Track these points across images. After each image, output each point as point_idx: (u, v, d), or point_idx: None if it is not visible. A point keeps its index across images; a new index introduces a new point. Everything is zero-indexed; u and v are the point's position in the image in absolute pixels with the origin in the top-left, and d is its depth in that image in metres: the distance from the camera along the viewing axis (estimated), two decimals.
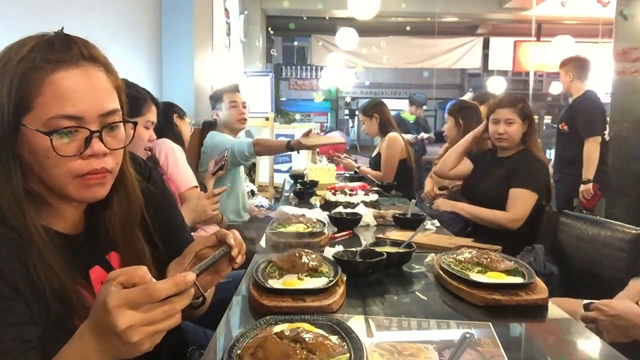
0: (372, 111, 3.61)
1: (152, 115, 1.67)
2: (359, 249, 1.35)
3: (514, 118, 2.23)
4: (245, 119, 3.04)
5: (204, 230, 2.21)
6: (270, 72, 6.14)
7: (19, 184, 0.74)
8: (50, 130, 0.72)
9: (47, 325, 0.72)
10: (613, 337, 1.14)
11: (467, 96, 4.77)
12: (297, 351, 0.72)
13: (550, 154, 5.05)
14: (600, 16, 5.90)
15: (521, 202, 2.12)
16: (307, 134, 2.60)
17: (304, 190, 2.70)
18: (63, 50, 0.74)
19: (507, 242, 1.83)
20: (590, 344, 0.94)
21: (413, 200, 2.16)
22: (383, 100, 3.92)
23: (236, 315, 1.05)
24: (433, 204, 2.57)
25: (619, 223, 1.68)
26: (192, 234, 1.16)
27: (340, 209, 2.09)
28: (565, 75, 3.58)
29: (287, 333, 0.77)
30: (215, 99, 3.04)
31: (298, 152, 3.23)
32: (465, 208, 2.34)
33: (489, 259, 1.20)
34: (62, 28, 0.78)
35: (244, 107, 3.01)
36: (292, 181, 3.52)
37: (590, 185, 3.30)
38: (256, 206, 3.31)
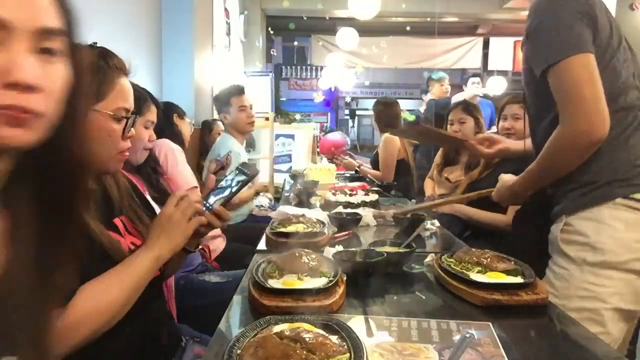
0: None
1: (152, 115, 1.67)
2: (359, 249, 1.35)
3: (521, 114, 2.24)
4: (254, 122, 3.09)
5: None
6: (270, 72, 6.15)
7: None
8: None
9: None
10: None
11: (472, 90, 4.80)
12: (297, 351, 0.72)
13: None
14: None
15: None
16: None
17: (304, 191, 2.70)
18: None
19: (507, 242, 1.83)
20: (590, 344, 0.94)
21: (413, 200, 2.15)
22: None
23: (236, 315, 1.05)
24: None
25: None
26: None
27: (340, 209, 2.09)
28: None
29: (287, 333, 0.77)
30: (222, 101, 3.04)
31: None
32: (463, 210, 2.32)
33: (489, 259, 1.20)
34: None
35: (251, 109, 3.04)
36: (292, 181, 3.52)
37: None
38: (256, 206, 3.32)
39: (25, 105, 0.55)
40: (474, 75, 5.12)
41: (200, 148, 3.43)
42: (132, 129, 1.09)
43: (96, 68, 1.02)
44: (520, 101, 2.29)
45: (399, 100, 3.82)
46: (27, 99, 0.55)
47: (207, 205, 1.18)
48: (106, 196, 1.11)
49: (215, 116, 4.25)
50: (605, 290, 1.21)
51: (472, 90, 4.74)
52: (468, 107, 2.70)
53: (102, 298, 0.91)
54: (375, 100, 3.91)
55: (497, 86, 6.29)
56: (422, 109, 4.87)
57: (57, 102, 0.59)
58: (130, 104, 1.09)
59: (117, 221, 1.09)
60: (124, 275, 0.95)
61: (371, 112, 3.82)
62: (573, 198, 1.28)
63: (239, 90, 3.02)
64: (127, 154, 1.11)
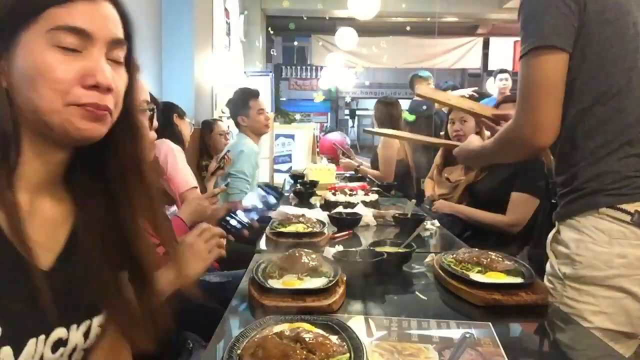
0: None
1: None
2: (359, 249, 1.35)
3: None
4: (269, 124, 3.25)
5: None
6: (270, 72, 6.15)
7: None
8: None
9: None
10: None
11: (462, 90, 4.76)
12: (297, 351, 0.72)
13: None
14: None
15: (522, 207, 2.11)
16: None
17: (304, 190, 2.70)
18: None
19: (507, 242, 1.84)
20: (590, 344, 0.94)
21: (413, 200, 2.16)
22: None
23: (236, 315, 1.05)
24: (433, 206, 2.56)
25: None
26: None
27: (340, 209, 2.09)
28: None
29: (287, 333, 0.77)
30: (239, 104, 3.10)
31: None
32: (463, 210, 2.31)
33: (489, 259, 1.20)
34: None
35: (263, 114, 3.15)
36: (292, 181, 3.52)
37: None
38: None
39: (103, 104, 0.65)
40: (502, 71, 4.90)
41: (200, 148, 3.43)
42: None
43: None
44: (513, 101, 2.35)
45: (399, 100, 3.81)
46: (104, 98, 0.65)
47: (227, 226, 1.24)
48: None
49: (216, 116, 4.25)
50: (586, 308, 1.10)
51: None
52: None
53: None
54: (375, 100, 3.91)
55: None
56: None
57: (119, 102, 0.69)
58: (147, 97, 1.21)
59: None
60: None
61: (371, 112, 3.82)
62: (563, 204, 1.19)
63: (257, 94, 3.11)
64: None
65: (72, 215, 0.72)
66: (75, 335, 0.68)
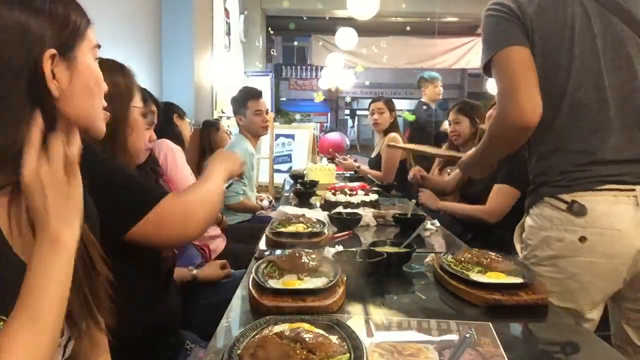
0: (393, 107, 3.67)
1: (152, 115, 1.68)
2: (359, 249, 1.35)
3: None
4: (268, 126, 3.19)
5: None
6: (270, 72, 6.15)
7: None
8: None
9: None
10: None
11: None
12: (297, 351, 0.72)
13: None
14: None
15: (500, 197, 2.14)
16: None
17: (304, 190, 2.70)
18: None
19: (507, 242, 1.83)
20: (590, 344, 0.94)
21: (413, 200, 2.15)
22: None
23: (236, 315, 1.05)
24: (420, 192, 2.59)
25: None
26: None
27: (340, 209, 2.09)
28: None
29: (287, 333, 0.77)
30: (239, 104, 3.09)
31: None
32: (447, 206, 2.38)
33: (489, 259, 1.20)
34: None
35: (267, 114, 3.12)
36: (292, 181, 3.52)
37: None
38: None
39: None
40: None
41: (200, 148, 3.43)
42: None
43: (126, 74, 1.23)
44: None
45: (399, 101, 3.81)
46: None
47: None
48: None
49: (215, 116, 4.25)
50: None
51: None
52: (463, 108, 2.71)
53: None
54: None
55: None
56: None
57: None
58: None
59: None
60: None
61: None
62: (528, 195, 1.36)
63: (256, 94, 3.08)
64: (151, 145, 1.33)
65: None
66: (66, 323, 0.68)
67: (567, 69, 1.23)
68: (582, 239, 1.19)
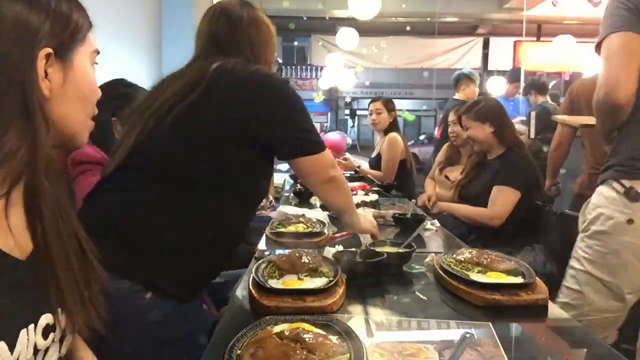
0: (392, 107, 3.64)
1: None
2: (359, 249, 1.35)
3: (470, 123, 2.32)
4: None
5: None
6: None
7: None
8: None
9: None
10: None
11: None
12: (297, 351, 0.72)
13: None
14: (600, 16, 5.89)
15: (501, 199, 2.11)
16: None
17: (304, 190, 2.70)
18: None
19: (507, 242, 1.84)
20: (590, 344, 0.94)
21: (413, 200, 2.16)
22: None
23: (236, 315, 1.05)
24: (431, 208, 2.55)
25: None
26: None
27: None
28: None
29: (287, 333, 0.77)
30: None
31: None
32: (451, 207, 2.35)
33: (489, 259, 1.20)
34: None
35: None
36: (292, 181, 3.52)
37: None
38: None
39: None
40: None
41: None
42: None
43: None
44: (458, 107, 2.56)
45: (399, 101, 3.82)
46: None
47: None
48: None
49: None
50: (583, 255, 1.43)
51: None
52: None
53: None
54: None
55: (497, 86, 6.28)
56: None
57: None
58: None
59: None
60: None
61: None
62: (600, 172, 1.48)
63: None
64: None
65: None
66: (62, 319, 0.69)
67: None
68: (630, 221, 1.33)
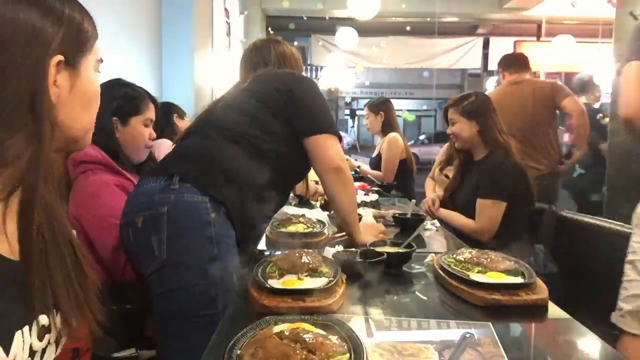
0: (379, 108, 3.60)
1: (150, 113, 1.68)
2: (359, 249, 1.35)
3: (455, 118, 2.17)
4: None
5: None
6: None
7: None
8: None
9: None
10: None
11: None
12: (297, 351, 0.72)
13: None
14: (600, 16, 5.90)
15: (486, 212, 1.99)
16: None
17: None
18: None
19: (507, 242, 1.83)
20: (590, 344, 0.94)
21: (413, 200, 2.15)
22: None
23: (236, 315, 1.05)
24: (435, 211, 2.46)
25: (619, 223, 1.68)
26: None
27: None
28: None
29: (287, 333, 0.77)
30: None
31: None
32: (442, 214, 2.23)
33: (489, 259, 1.20)
34: None
35: None
36: None
37: None
38: None
39: None
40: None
41: None
42: None
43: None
44: (453, 104, 2.25)
45: (399, 101, 3.82)
46: None
47: None
48: None
49: None
50: (635, 245, 1.32)
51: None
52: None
53: None
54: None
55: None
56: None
57: None
58: None
59: None
60: None
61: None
62: None
63: None
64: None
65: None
66: (57, 320, 0.69)
67: None
68: None
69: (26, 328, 0.63)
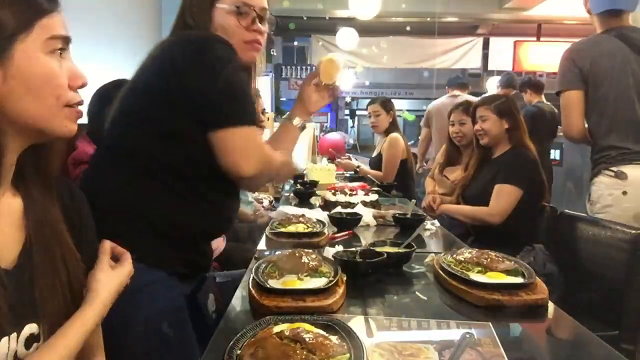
0: (389, 107, 3.61)
1: None
2: (359, 249, 1.35)
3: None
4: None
5: None
6: (270, 72, 6.15)
7: None
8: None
9: None
10: None
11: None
12: (297, 351, 0.72)
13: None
14: None
15: (502, 197, 2.10)
16: None
17: (303, 191, 2.70)
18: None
19: (507, 242, 1.83)
20: (590, 344, 0.94)
21: (413, 200, 2.15)
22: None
23: (236, 315, 1.05)
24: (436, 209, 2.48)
25: (619, 223, 1.68)
26: None
27: (339, 209, 2.09)
28: None
29: (287, 333, 0.77)
30: None
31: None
32: (450, 208, 2.33)
33: (489, 259, 1.20)
34: None
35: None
36: (292, 181, 3.52)
37: None
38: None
39: (82, 101, 0.70)
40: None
41: None
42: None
43: None
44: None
45: (399, 101, 3.81)
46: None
47: None
48: None
49: None
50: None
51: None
52: (468, 108, 2.68)
53: None
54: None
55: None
56: None
57: None
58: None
59: None
60: None
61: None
62: (592, 170, 2.05)
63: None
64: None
65: (24, 212, 0.70)
66: (47, 329, 0.68)
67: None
68: (624, 193, 1.89)
69: (13, 335, 0.63)
